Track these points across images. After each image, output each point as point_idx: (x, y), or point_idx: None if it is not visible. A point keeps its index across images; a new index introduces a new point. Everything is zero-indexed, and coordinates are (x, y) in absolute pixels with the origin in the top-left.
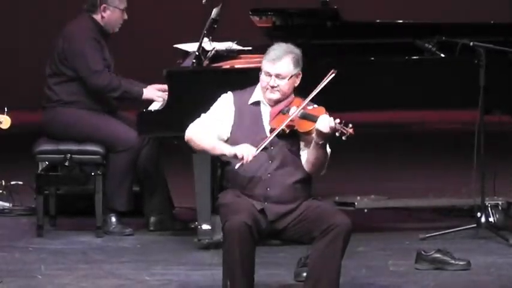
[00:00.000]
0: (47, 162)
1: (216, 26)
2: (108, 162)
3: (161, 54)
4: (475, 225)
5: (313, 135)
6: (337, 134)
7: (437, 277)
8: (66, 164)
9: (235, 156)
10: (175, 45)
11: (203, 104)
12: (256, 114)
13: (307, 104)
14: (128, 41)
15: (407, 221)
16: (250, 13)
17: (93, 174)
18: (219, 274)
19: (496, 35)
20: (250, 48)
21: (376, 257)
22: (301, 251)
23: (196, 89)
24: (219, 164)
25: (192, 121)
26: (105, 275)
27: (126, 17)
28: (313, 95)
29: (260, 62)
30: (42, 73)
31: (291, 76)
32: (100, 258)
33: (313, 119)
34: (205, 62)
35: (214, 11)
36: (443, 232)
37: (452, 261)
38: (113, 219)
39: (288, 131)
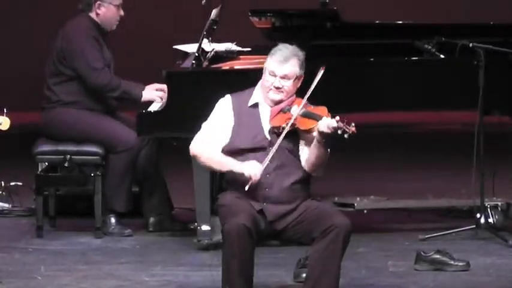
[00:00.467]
0: (46, 163)
1: (215, 27)
2: (107, 163)
3: (161, 55)
4: (474, 226)
5: (315, 133)
6: (339, 132)
7: (436, 278)
8: (66, 164)
9: (243, 175)
10: (174, 46)
11: (203, 105)
12: (255, 115)
13: (309, 104)
14: (128, 42)
15: (407, 222)
16: (250, 14)
17: (92, 175)
18: (219, 275)
19: (496, 36)
20: (249, 49)
21: (375, 257)
22: (300, 252)
23: (195, 90)
24: None
25: (192, 121)
26: (104, 275)
27: (122, 13)
28: (309, 94)
29: (260, 63)
30: (42, 74)
31: (296, 78)
32: (99, 259)
33: (314, 117)
34: (205, 63)
35: (214, 12)
36: (442, 233)
37: (452, 262)
38: (112, 220)
39: (289, 129)
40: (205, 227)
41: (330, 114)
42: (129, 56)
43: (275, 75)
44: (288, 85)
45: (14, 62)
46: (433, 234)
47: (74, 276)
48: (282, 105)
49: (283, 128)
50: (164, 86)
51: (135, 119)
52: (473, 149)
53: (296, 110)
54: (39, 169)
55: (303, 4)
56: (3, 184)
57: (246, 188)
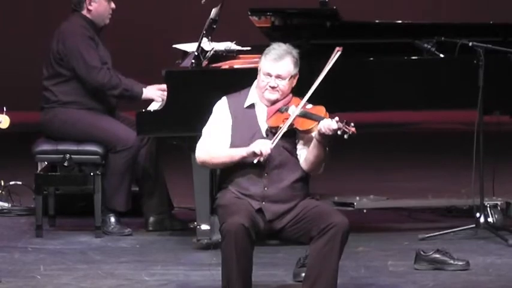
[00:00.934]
0: (46, 163)
1: (215, 26)
2: (107, 162)
3: (160, 55)
4: (474, 225)
5: (314, 133)
6: (339, 132)
7: (436, 277)
8: (65, 164)
9: (253, 154)
10: (174, 46)
11: (202, 104)
12: (252, 116)
13: (306, 104)
14: (127, 41)
15: (407, 221)
16: (249, 13)
17: (92, 174)
18: (218, 274)
19: (495, 35)
20: (249, 48)
21: (375, 257)
22: (300, 251)
23: (195, 89)
24: None
25: (192, 120)
26: (104, 275)
27: (113, 5)
28: (321, 78)
29: (259, 62)
30: (42, 73)
31: (291, 77)
32: (99, 259)
33: (313, 117)
34: (205, 62)
35: (213, 11)
36: (442, 232)
37: (451, 262)
38: (112, 219)
39: (286, 129)
40: (204, 227)
41: (327, 114)
42: (128, 56)
43: (270, 75)
44: (284, 84)
45: (15, 61)
46: (432, 234)
47: (74, 276)
48: (278, 104)
49: (281, 128)
50: (165, 87)
51: (134, 118)
52: (472, 148)
53: (294, 110)
54: (39, 168)
55: (303, 3)
56: (2, 183)
57: (255, 161)
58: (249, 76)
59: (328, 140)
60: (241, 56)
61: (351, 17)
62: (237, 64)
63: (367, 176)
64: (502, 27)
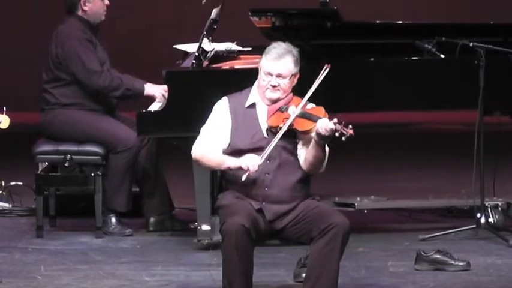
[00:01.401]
0: (46, 163)
1: (215, 26)
2: (107, 163)
3: (161, 55)
4: (474, 226)
5: (313, 134)
6: (336, 134)
7: (437, 278)
8: (66, 164)
9: (240, 168)
10: (175, 46)
11: (203, 105)
12: (253, 116)
13: (306, 104)
14: (128, 42)
15: (407, 222)
16: (250, 14)
17: (92, 174)
18: (219, 275)
19: (496, 36)
20: (250, 48)
21: (375, 257)
22: (300, 252)
23: (195, 90)
24: None
25: (192, 121)
26: (104, 275)
27: (107, 2)
28: (311, 92)
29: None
30: (41, 75)
31: (291, 75)
32: (100, 259)
33: (312, 118)
34: (205, 63)
35: (214, 12)
36: (443, 233)
37: (452, 262)
38: (113, 219)
39: (286, 129)
40: (205, 227)
41: (327, 115)
42: (129, 56)
43: (271, 74)
44: (284, 83)
45: (15, 62)
46: (433, 234)
47: (74, 276)
48: (279, 104)
49: (281, 128)
50: (165, 87)
51: (135, 119)
52: (473, 149)
53: (294, 110)
54: (40, 169)
55: (303, 4)
56: (3, 184)
57: (243, 178)
58: (249, 76)
59: (326, 141)
60: (241, 56)
61: (352, 17)
62: (238, 64)
63: (367, 177)
64: (503, 27)
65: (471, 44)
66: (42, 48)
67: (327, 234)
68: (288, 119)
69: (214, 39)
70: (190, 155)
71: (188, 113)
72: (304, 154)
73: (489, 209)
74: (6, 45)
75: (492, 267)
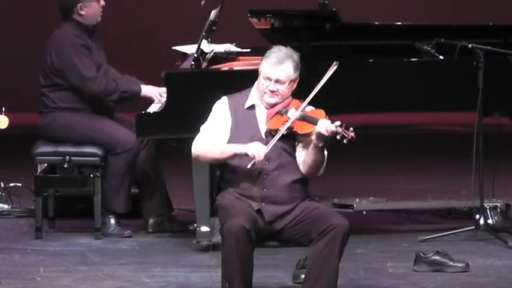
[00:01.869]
0: (45, 164)
1: (214, 28)
2: (106, 164)
3: (160, 56)
4: (473, 227)
5: (312, 137)
6: (338, 137)
7: (435, 279)
8: (65, 166)
9: (246, 155)
10: (174, 47)
11: (202, 106)
12: (252, 117)
13: (306, 106)
14: (127, 43)
15: (406, 223)
16: (249, 15)
17: (91, 176)
18: (218, 276)
19: (495, 37)
20: (248, 50)
21: (374, 259)
22: (299, 253)
23: (194, 91)
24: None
25: (191, 122)
26: (103, 276)
27: (103, 3)
28: (316, 91)
29: (259, 64)
30: (39, 78)
31: (290, 81)
32: (99, 260)
33: (312, 121)
34: (204, 64)
35: (213, 13)
36: (442, 234)
37: (451, 263)
38: (112, 221)
39: (286, 132)
40: (204, 228)
41: (327, 117)
42: (128, 57)
43: (269, 79)
44: (283, 88)
45: (15, 62)
46: (432, 236)
47: (73, 277)
48: (278, 107)
49: (280, 131)
50: (164, 89)
51: (134, 120)
52: (472, 150)
53: (293, 113)
54: (39, 170)
55: (302, 5)
56: (2, 185)
57: (249, 166)
58: (248, 78)
59: (326, 144)
60: (240, 57)
61: (351, 18)
62: (237, 66)
63: (366, 178)
64: (502, 28)
65: (470, 46)
66: (42, 48)
67: (326, 235)
68: (287, 122)
69: (213, 41)
70: (189, 156)
71: (187, 114)
72: (303, 157)
73: (488, 211)
74: (6, 45)
75: (491, 268)
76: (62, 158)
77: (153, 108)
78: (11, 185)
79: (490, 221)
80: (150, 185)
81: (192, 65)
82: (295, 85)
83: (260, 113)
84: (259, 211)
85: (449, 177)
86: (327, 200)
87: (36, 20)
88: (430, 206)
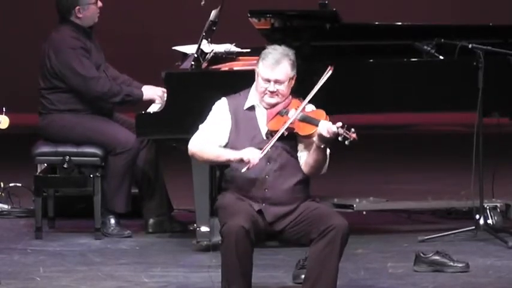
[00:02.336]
0: (45, 164)
1: (214, 28)
2: (106, 164)
3: (160, 56)
4: (473, 227)
5: (314, 138)
6: (339, 138)
7: (435, 279)
8: (65, 166)
9: (241, 161)
10: (174, 47)
11: (202, 106)
12: (252, 118)
13: (306, 107)
14: (127, 43)
15: (406, 223)
16: (249, 15)
17: (91, 176)
18: (218, 276)
19: (495, 37)
20: (248, 50)
21: (374, 259)
22: (299, 253)
23: (194, 91)
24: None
25: (191, 122)
26: (103, 277)
27: (100, 4)
28: (313, 94)
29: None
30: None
31: (289, 79)
32: (98, 260)
33: (313, 122)
34: (204, 64)
35: (213, 13)
36: (442, 234)
37: (451, 263)
38: (112, 221)
39: (287, 133)
40: (204, 228)
41: (328, 118)
42: (128, 58)
43: (268, 81)
44: (282, 88)
45: (14, 62)
46: (432, 236)
47: (73, 278)
48: (278, 107)
49: (279, 132)
50: (164, 89)
51: (133, 120)
52: (472, 150)
53: (294, 114)
54: (39, 170)
55: (302, 5)
56: (2, 185)
57: (243, 170)
58: (248, 78)
59: (327, 145)
60: (240, 58)
61: (351, 18)
62: (237, 66)
63: (366, 178)
64: (502, 28)
65: (470, 46)
66: (40, 51)
67: (327, 235)
68: (286, 122)
69: (213, 41)
70: (189, 157)
71: (187, 115)
72: (305, 157)
73: (488, 211)
74: (6, 45)
75: (491, 268)
76: (61, 158)
77: (153, 108)
78: (11, 185)
79: (490, 221)
80: (150, 185)
81: (192, 65)
82: (293, 82)
83: (260, 113)
84: (260, 212)
85: (449, 178)
86: (327, 200)
87: (36, 21)
88: (430, 206)
